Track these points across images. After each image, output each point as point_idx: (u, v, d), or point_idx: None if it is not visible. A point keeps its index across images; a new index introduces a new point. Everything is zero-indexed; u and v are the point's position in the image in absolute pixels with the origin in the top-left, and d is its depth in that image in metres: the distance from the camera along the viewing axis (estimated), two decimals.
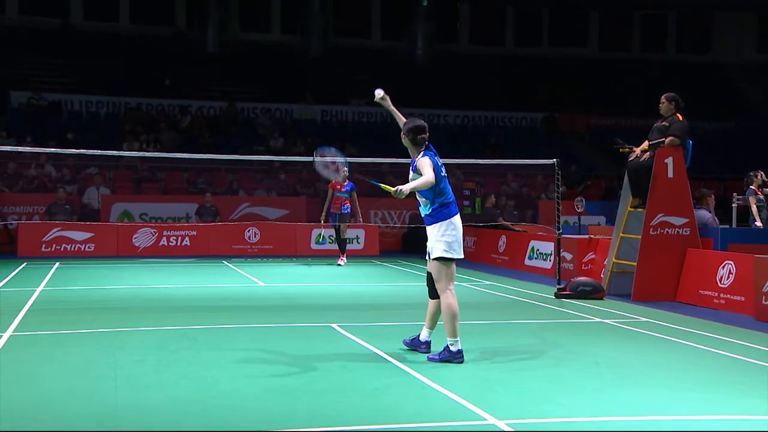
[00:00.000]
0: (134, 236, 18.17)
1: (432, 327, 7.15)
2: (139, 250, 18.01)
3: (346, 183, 16.18)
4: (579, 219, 16.80)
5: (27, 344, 7.60)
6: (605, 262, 12.26)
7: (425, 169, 6.84)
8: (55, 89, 26.92)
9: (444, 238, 6.86)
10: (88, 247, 17.85)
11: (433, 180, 6.81)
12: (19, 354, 7.09)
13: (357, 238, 19.33)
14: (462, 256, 7.01)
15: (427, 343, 7.14)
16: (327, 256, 18.20)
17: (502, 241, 17.12)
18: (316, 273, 15.15)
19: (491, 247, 17.46)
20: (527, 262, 15.86)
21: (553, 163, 11.65)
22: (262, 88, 29.37)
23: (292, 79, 29.74)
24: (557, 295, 11.32)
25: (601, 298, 11.17)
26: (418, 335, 7.23)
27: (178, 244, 18.35)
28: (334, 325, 8.73)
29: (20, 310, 9.55)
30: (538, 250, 15.63)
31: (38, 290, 11.62)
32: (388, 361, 6.90)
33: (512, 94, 31.40)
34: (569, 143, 29.02)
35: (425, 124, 7.18)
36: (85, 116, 26.27)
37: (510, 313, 10.18)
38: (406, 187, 6.69)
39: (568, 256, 13.99)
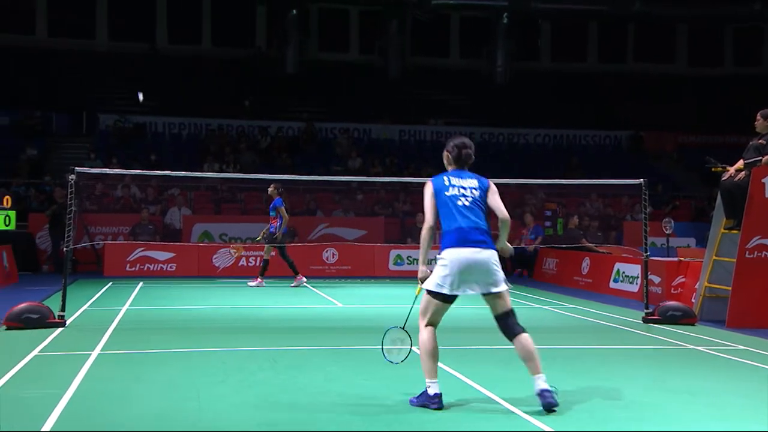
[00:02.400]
0: (214, 257, 18.58)
1: (533, 372, 5.95)
2: (219, 270, 18.41)
3: (275, 199, 15.78)
4: (667, 241, 16.41)
5: (114, 362, 7.84)
6: (696, 286, 11.91)
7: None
8: (139, 112, 27.87)
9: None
10: (170, 267, 18.34)
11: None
12: (106, 372, 7.31)
13: (436, 259, 19.27)
14: (447, 291, 6.07)
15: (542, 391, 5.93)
16: (405, 278, 18.22)
17: (586, 263, 16.84)
18: (394, 294, 15.17)
19: (574, 269, 17.18)
20: (612, 285, 15.54)
21: (640, 183, 11.42)
22: (341, 108, 29.74)
23: (371, 99, 30.04)
24: (645, 320, 11.04)
25: (693, 324, 10.84)
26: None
27: (257, 264, 18.66)
28: (414, 348, 8.70)
29: (107, 329, 9.86)
30: (623, 272, 15.31)
31: (123, 309, 11.99)
32: (469, 385, 6.84)
33: (595, 112, 30.96)
34: (656, 162, 28.39)
35: (454, 144, 6.47)
36: (168, 138, 27.10)
37: (595, 338, 9.97)
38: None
39: (656, 279, 13.64)
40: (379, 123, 28.84)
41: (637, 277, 14.29)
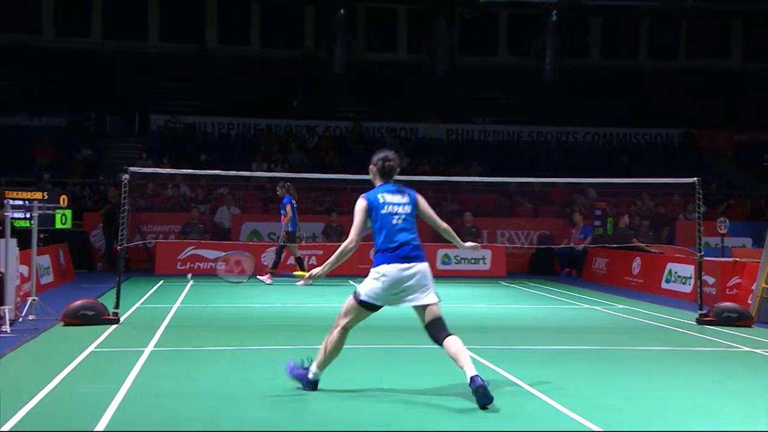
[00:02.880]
0: (263, 255, 18.73)
1: (464, 365, 6.08)
2: (267, 268, 18.53)
3: (284, 198, 16.09)
4: (722, 240, 16.10)
5: (166, 359, 7.97)
6: (753, 287, 11.65)
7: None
8: (189, 112, 28.24)
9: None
10: (220, 266, 18.52)
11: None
12: (159, 369, 7.44)
13: (483, 258, 19.22)
14: (372, 300, 6.38)
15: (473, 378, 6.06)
16: (453, 277, 18.16)
17: (637, 263, 16.61)
18: (442, 293, 15.06)
19: (624, 269, 16.95)
20: (664, 285, 15.30)
21: (694, 182, 11.22)
22: (388, 107, 29.75)
23: (418, 98, 29.99)
24: (699, 322, 10.85)
25: (749, 326, 10.61)
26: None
27: (305, 263, 18.76)
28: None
29: (159, 326, 10.03)
30: (676, 272, 15.06)
31: (175, 307, 12.17)
32: (519, 386, 6.80)
33: (646, 110, 30.45)
34: (710, 160, 27.81)
35: (379, 158, 6.64)
36: (217, 138, 27.40)
37: (647, 339, 9.82)
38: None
39: (711, 279, 13.37)
40: (426, 122, 28.78)
41: (690, 278, 14.05)
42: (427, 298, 6.36)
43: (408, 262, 6.32)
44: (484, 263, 19.17)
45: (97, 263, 19.41)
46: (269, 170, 22.79)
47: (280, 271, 16.53)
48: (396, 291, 6.31)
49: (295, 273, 15.66)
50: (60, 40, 30.26)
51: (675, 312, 12.32)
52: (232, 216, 20.69)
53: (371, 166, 6.67)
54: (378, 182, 6.62)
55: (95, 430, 5.30)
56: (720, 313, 10.80)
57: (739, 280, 12.96)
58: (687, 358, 8.49)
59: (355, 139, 27.15)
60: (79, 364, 7.51)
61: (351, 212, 21.29)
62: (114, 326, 9.89)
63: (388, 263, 6.30)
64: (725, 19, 33.38)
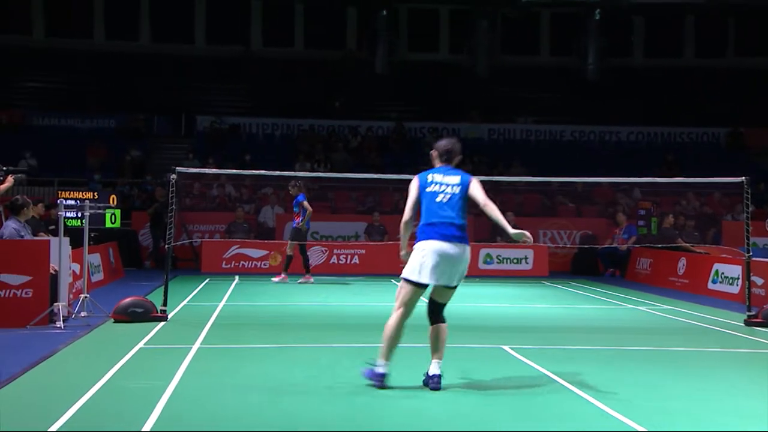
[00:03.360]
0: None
1: (434, 356, 6.55)
2: (311, 267, 18.62)
3: (297, 196, 16.16)
4: None
5: (212, 357, 8.05)
6: None
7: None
8: (234, 113, 28.52)
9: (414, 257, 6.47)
10: (264, 264, 18.70)
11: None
12: (206, 365, 7.52)
13: (525, 258, 19.10)
14: (422, 280, 6.43)
15: (432, 376, 6.51)
16: (495, 276, 18.08)
17: (682, 263, 16.36)
18: (485, 293, 15.07)
19: (669, 269, 16.70)
20: (710, 286, 15.03)
21: (741, 181, 11.01)
22: (430, 107, 29.70)
23: (459, 98, 29.90)
24: (747, 323, 10.64)
25: None
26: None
27: (348, 262, 18.85)
28: (505, 347, 8.65)
29: (206, 324, 10.14)
30: (723, 273, 14.78)
31: (220, 305, 12.30)
32: (563, 386, 6.73)
33: (692, 109, 29.95)
34: (758, 159, 27.25)
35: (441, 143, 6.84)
36: (261, 138, 27.62)
37: (694, 341, 9.65)
38: None
39: (759, 281, 13.10)
40: (467, 122, 28.67)
41: (738, 279, 13.78)
42: (456, 281, 6.44)
43: (446, 241, 6.34)
44: (527, 263, 19.04)
45: (145, 261, 19.69)
46: (312, 170, 22.91)
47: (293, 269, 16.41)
48: (446, 267, 6.34)
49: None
50: (110, 43, 30.76)
51: (722, 313, 12.09)
52: (276, 215, 20.83)
53: (432, 151, 6.83)
54: (437, 164, 6.74)
55: (145, 425, 5.38)
56: None
57: None
58: (735, 360, 8.34)
59: (397, 139, 27.16)
60: (128, 361, 7.63)
61: (393, 212, 21.50)
62: (162, 323, 10.02)
63: (434, 239, 6.35)
64: None
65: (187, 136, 27.57)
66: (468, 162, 25.01)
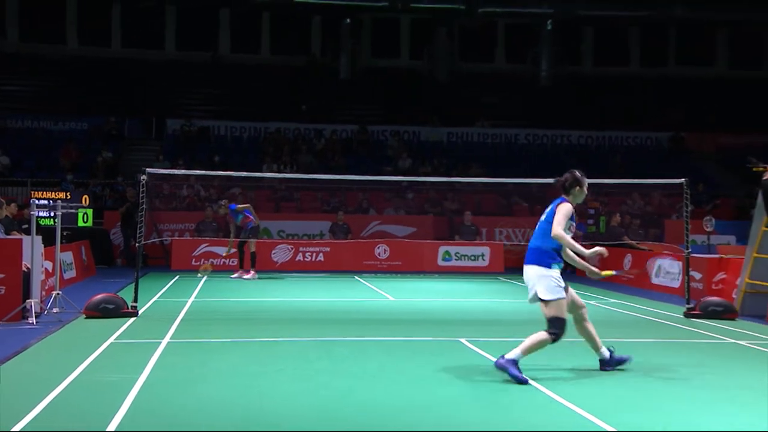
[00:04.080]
0: (273, 252, 18.77)
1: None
2: (277, 265, 18.59)
3: (228, 211, 16.55)
4: (708, 238, 16.08)
5: (181, 351, 7.98)
6: (737, 283, 11.65)
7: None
8: (204, 116, 28.29)
9: None
10: (232, 262, 18.54)
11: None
12: (175, 359, 7.46)
13: (482, 255, 19.23)
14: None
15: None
16: (454, 273, 18.18)
17: (627, 259, 16.59)
18: (443, 288, 15.15)
19: (616, 265, 16.89)
20: (654, 280, 15.29)
21: (682, 183, 11.21)
22: (392, 111, 29.74)
23: (420, 103, 29.99)
24: (686, 315, 10.84)
25: (734, 319, 10.61)
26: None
27: (313, 259, 18.81)
28: (462, 340, 8.71)
29: (175, 319, 10.06)
30: (665, 269, 15.05)
31: (190, 300, 12.20)
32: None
33: (637, 114, 30.42)
34: (697, 163, 27.77)
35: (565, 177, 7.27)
36: (230, 140, 27.43)
37: (638, 332, 9.83)
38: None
39: (697, 275, 13.37)
40: (428, 125, 28.76)
41: (679, 274, 14.04)
42: (530, 296, 6.85)
43: (526, 264, 6.92)
44: (483, 260, 19.17)
45: (116, 259, 19.45)
46: (279, 171, 22.83)
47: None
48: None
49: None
50: (82, 49, 30.37)
51: (664, 306, 12.31)
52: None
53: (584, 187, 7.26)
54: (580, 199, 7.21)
55: (116, 417, 5.32)
56: (706, 306, 10.79)
57: (724, 276, 12.97)
58: (674, 349, 8.49)
59: (361, 142, 27.17)
60: (100, 355, 7.54)
61: (356, 211, 21.43)
62: (132, 319, 9.91)
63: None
64: (711, 28, 33.34)
65: (158, 138, 27.27)
66: (428, 164, 25.16)
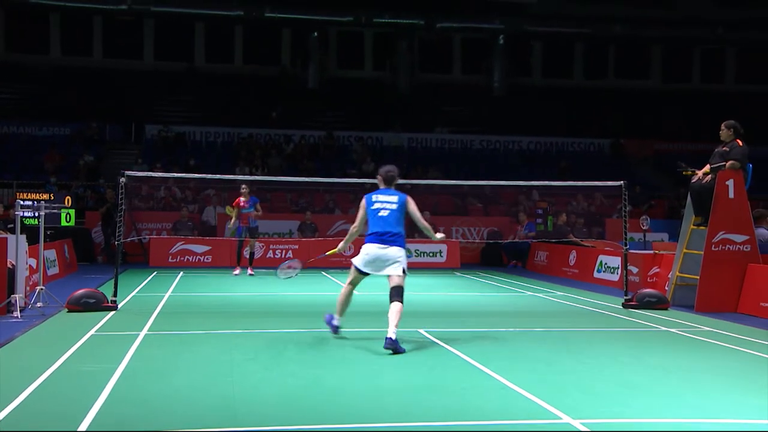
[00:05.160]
0: (245, 249, 18.58)
1: (389, 326, 7.37)
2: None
3: (249, 198, 15.49)
4: (644, 236, 16.33)
5: (158, 342, 7.89)
6: (669, 276, 11.86)
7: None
8: (180, 122, 27.98)
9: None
10: (207, 259, 18.40)
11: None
12: (152, 350, 7.37)
13: (440, 252, 19.29)
14: (360, 267, 7.75)
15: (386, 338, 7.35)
16: (414, 269, 18.19)
17: (573, 255, 16.79)
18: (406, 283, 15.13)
19: (562, 261, 17.13)
20: (596, 275, 15.49)
21: (621, 185, 11.38)
22: (356, 119, 29.75)
23: (383, 111, 30.03)
24: (625, 306, 11.01)
25: (666, 309, 10.80)
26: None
27: (283, 256, 18.69)
28: (421, 330, 8.74)
29: (153, 312, 9.93)
30: (606, 264, 15.25)
31: (166, 295, 12.05)
32: (471, 364, 6.84)
33: (581, 122, 30.84)
34: (634, 167, 28.25)
35: (384, 170, 7.96)
36: (205, 145, 27.18)
37: (581, 322, 9.95)
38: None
39: (635, 269, 13.59)
40: (390, 132, 28.82)
41: (618, 268, 14.24)
42: (393, 270, 7.55)
43: (383, 244, 7.56)
44: (441, 256, 19.24)
45: (97, 257, 19.14)
46: (251, 174, 22.68)
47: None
48: (374, 262, 7.62)
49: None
50: (65, 58, 29.89)
51: (605, 298, 12.49)
52: (217, 214, 20.53)
53: (378, 176, 7.97)
54: (381, 186, 7.86)
55: (96, 404, 5.25)
56: (642, 298, 10.97)
57: (658, 270, 13.19)
58: (614, 337, 8.62)
59: (327, 147, 27.11)
60: (81, 346, 7.42)
61: (323, 211, 21.31)
62: (112, 312, 9.76)
63: (371, 243, 7.61)
64: (647, 45, 33.97)
65: (137, 143, 26.93)
66: None
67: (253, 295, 12.62)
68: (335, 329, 8.00)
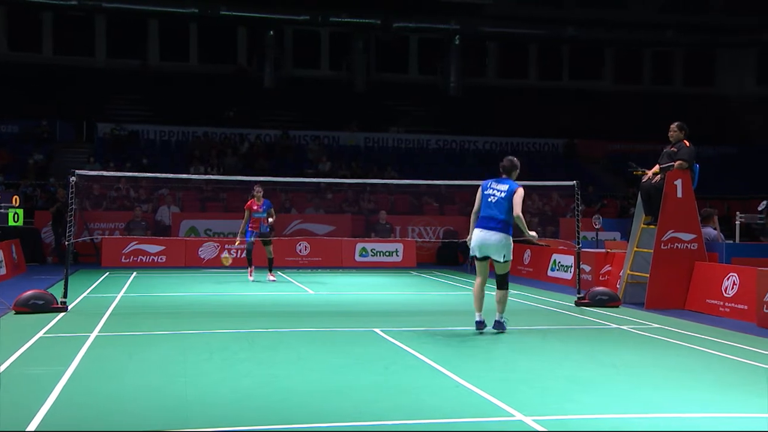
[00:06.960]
0: (200, 249, 18.41)
1: (497, 311, 8.61)
2: (204, 261, 18.25)
3: (262, 202, 14.50)
4: (596, 235, 16.61)
5: (110, 343, 7.75)
6: (621, 274, 12.10)
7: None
8: (133, 120, 27.49)
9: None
10: (161, 259, 18.14)
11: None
12: (103, 352, 7.23)
13: (396, 251, 19.34)
14: (476, 255, 8.44)
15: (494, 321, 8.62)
16: (370, 268, 18.23)
17: (527, 254, 16.99)
18: (360, 282, 15.18)
19: (517, 259, 17.22)
20: (549, 273, 15.70)
21: (574, 185, 11.57)
22: (312, 118, 29.61)
23: (339, 110, 29.95)
24: (577, 304, 11.19)
25: (617, 306, 11.01)
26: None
27: (238, 256, 18.50)
28: (376, 330, 8.75)
29: (104, 313, 9.74)
30: (559, 262, 15.47)
31: (119, 296, 11.84)
32: (426, 363, 6.87)
33: (535, 123, 31.22)
34: (587, 167, 28.71)
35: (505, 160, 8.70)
36: (159, 144, 26.75)
37: (535, 320, 10.09)
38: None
39: (587, 268, 13.82)
40: (346, 131, 28.76)
41: (571, 267, 14.45)
42: (495, 255, 8.28)
43: (487, 230, 8.23)
44: (397, 255, 19.29)
45: (47, 257, 18.70)
46: (205, 173, 22.41)
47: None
48: (481, 246, 8.29)
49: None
50: (13, 54, 29.11)
51: (558, 296, 12.66)
52: (172, 214, 20.25)
53: (500, 165, 8.63)
54: (502, 176, 8.53)
55: (43, 407, 5.12)
56: (594, 296, 11.16)
57: (610, 268, 13.43)
58: (567, 335, 8.76)
59: (283, 146, 26.95)
60: (28, 349, 7.24)
61: (279, 211, 20.95)
62: (62, 314, 9.55)
63: (477, 227, 8.31)
64: (599, 47, 34.58)
65: (89, 141, 26.37)
66: (346, 167, 25.15)
67: (208, 296, 12.48)
68: (477, 325, 8.45)
